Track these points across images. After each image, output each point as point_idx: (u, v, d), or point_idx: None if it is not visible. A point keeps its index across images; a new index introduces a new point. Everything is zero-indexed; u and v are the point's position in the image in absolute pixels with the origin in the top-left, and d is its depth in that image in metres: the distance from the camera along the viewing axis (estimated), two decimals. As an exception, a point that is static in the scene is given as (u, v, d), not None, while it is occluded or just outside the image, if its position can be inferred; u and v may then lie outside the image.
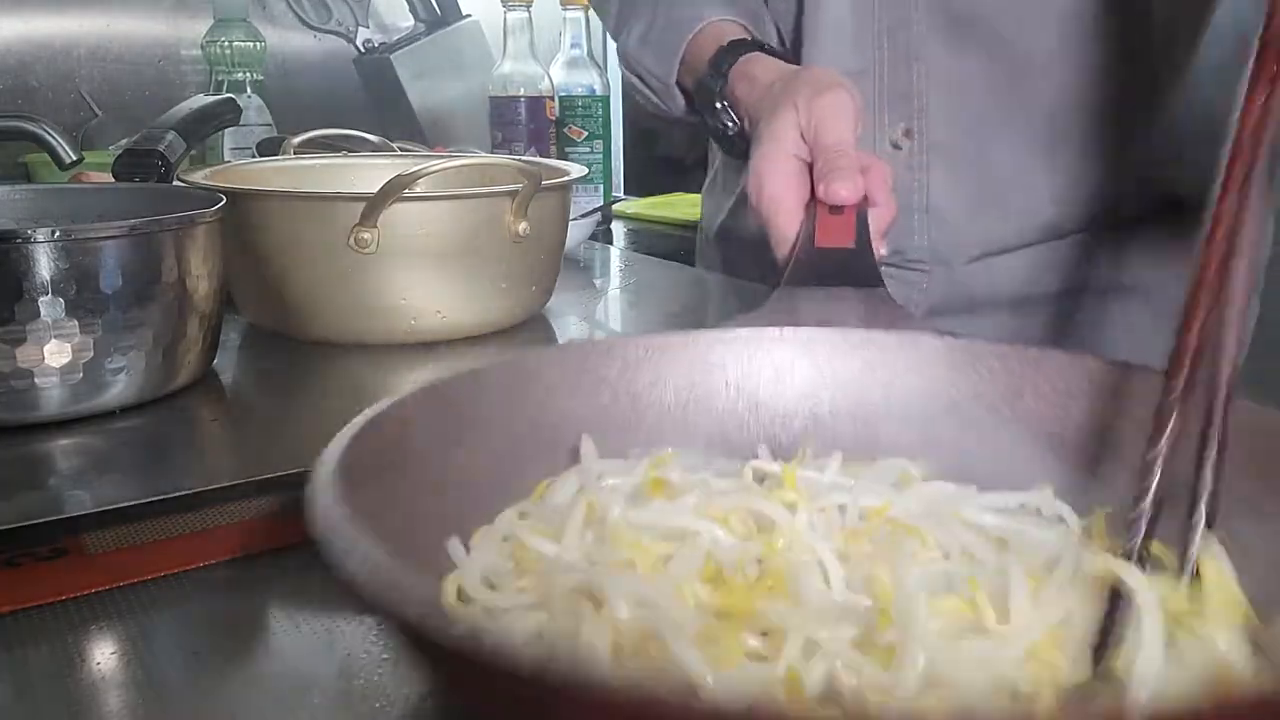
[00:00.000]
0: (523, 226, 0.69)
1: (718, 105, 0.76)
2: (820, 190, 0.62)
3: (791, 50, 0.82)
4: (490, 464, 0.40)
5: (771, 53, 0.77)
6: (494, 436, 0.41)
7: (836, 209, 0.62)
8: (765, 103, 0.70)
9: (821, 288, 0.57)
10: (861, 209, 0.62)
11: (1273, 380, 0.87)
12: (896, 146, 0.80)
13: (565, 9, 1.43)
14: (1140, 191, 0.80)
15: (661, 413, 0.45)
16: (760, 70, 0.74)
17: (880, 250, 0.62)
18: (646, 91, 0.85)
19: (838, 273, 0.58)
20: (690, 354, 0.46)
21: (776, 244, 0.64)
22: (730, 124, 0.76)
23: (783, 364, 0.47)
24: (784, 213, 0.63)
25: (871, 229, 0.61)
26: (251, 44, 1.32)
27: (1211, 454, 0.35)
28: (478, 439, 0.40)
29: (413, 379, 0.63)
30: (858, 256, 0.59)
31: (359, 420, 0.35)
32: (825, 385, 0.46)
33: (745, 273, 0.92)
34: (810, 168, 0.64)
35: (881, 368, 0.46)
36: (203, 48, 1.33)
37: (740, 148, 0.75)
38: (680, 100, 0.82)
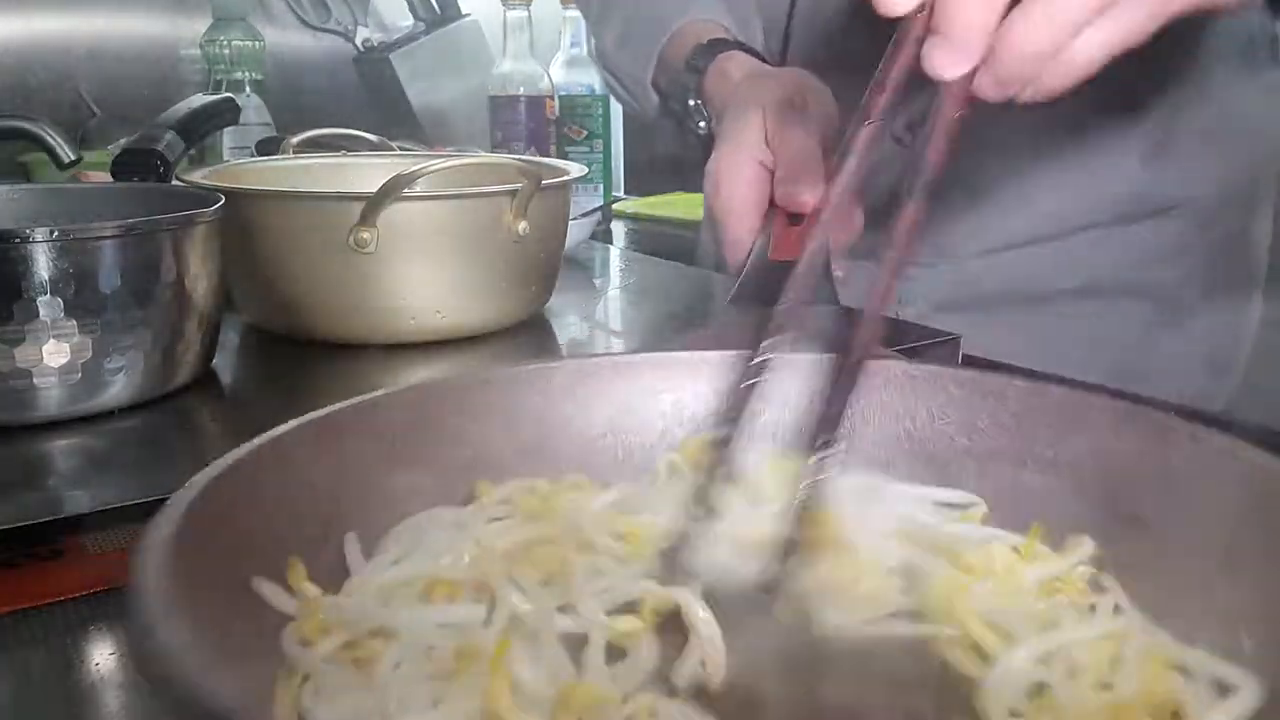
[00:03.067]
0: (523, 226, 0.69)
1: (691, 103, 0.74)
2: (779, 194, 0.60)
3: (780, 46, 0.82)
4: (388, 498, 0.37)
5: (751, 53, 0.75)
6: (403, 468, 0.37)
7: (796, 219, 0.59)
8: (732, 102, 0.68)
9: (771, 305, 0.54)
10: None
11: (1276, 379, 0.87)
12: (899, 141, 0.80)
13: (565, 9, 1.42)
14: (1143, 189, 0.80)
15: (585, 443, 0.41)
16: (734, 68, 0.72)
17: (837, 271, 0.59)
18: (621, 91, 0.84)
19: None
20: (623, 380, 0.43)
21: (728, 248, 0.61)
22: (702, 122, 0.74)
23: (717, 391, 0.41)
24: (738, 216, 0.61)
25: (830, 245, 0.59)
26: (250, 43, 1.32)
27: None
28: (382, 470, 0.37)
29: (412, 379, 0.63)
30: (814, 273, 0.57)
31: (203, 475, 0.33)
32: (773, 410, 0.41)
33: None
34: (772, 174, 0.62)
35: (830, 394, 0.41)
36: (201, 47, 1.33)
37: (710, 147, 0.74)
38: (654, 99, 0.81)
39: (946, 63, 0.40)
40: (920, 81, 0.40)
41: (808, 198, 0.59)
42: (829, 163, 0.61)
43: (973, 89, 0.41)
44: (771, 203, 0.60)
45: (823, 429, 0.35)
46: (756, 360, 0.37)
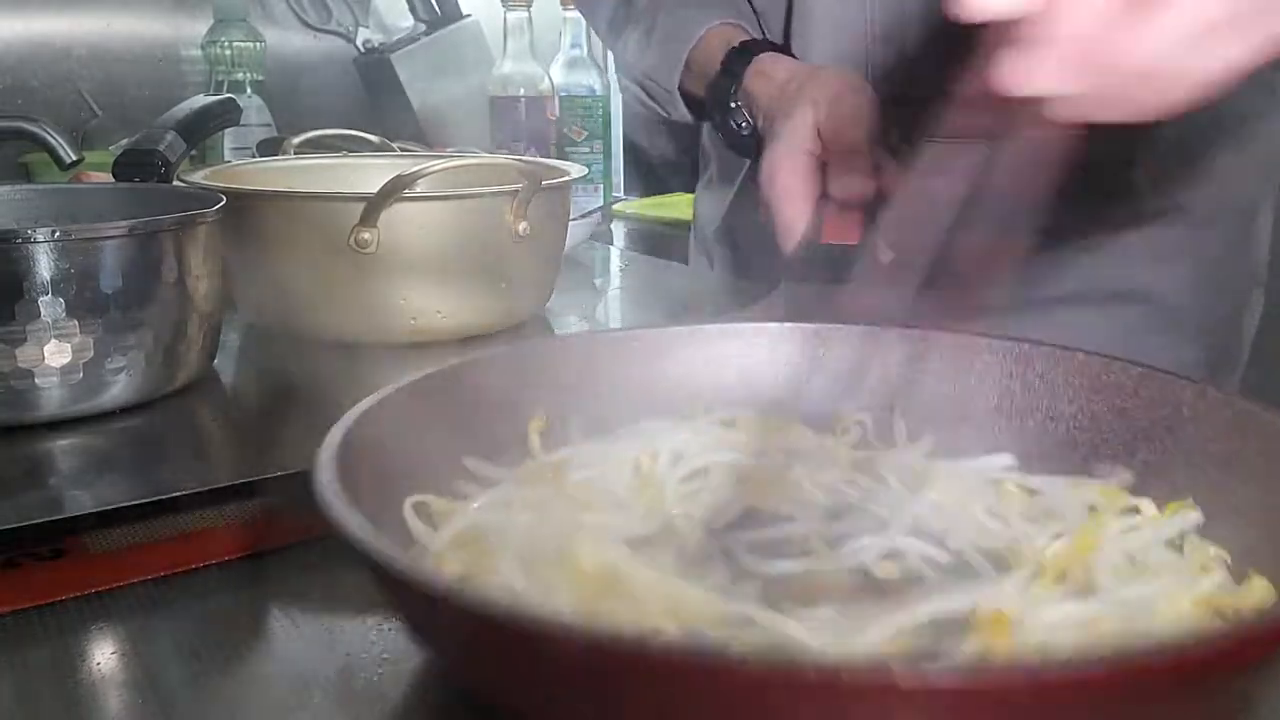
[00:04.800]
0: (523, 226, 0.69)
1: (732, 105, 0.76)
2: (833, 186, 0.63)
3: (781, 42, 0.82)
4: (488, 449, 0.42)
5: (783, 52, 0.77)
6: (493, 422, 0.43)
7: (845, 207, 0.63)
8: (783, 100, 0.70)
9: (825, 284, 0.58)
10: (870, 209, 0.63)
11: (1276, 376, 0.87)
12: (889, 148, 0.80)
13: (565, 9, 1.42)
14: (1140, 195, 0.79)
15: (667, 405, 0.47)
16: (777, 68, 0.74)
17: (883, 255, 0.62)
18: (647, 99, 0.85)
19: (842, 270, 0.59)
20: (695, 347, 0.49)
21: (783, 235, 0.65)
22: (744, 123, 0.76)
23: (787, 358, 0.49)
24: (794, 205, 0.64)
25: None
26: (251, 44, 1.32)
27: None
28: (476, 425, 0.42)
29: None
30: (863, 255, 0.61)
31: (357, 409, 0.37)
32: (828, 377, 0.48)
33: (741, 271, 0.91)
34: (823, 166, 0.65)
35: (887, 362, 0.47)
36: (202, 48, 1.33)
37: (753, 147, 0.76)
38: (683, 106, 0.82)
39: (1051, 78, 0.35)
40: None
41: (858, 188, 0.63)
42: (875, 156, 0.65)
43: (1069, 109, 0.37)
44: (822, 191, 0.65)
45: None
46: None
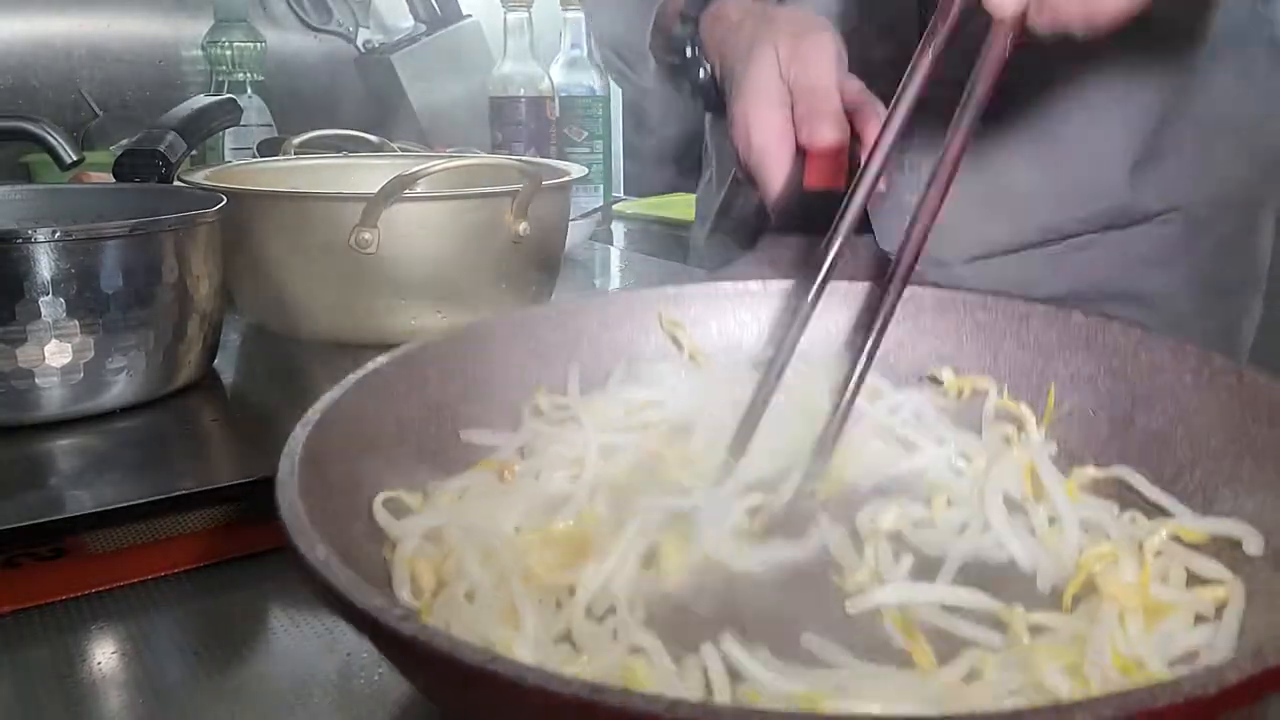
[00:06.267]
0: (523, 226, 0.69)
1: (689, 53, 0.72)
2: (802, 135, 0.60)
3: None
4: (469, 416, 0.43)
5: None
6: (470, 392, 0.43)
7: (823, 154, 0.59)
8: (740, 45, 0.67)
9: (807, 235, 0.56)
10: (854, 150, 0.59)
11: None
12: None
13: (565, 10, 1.42)
14: (1132, 197, 0.79)
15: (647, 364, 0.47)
16: (732, 10, 0.70)
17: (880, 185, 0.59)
18: (619, 63, 0.84)
19: (826, 216, 0.58)
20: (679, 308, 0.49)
21: (766, 194, 0.62)
22: (702, 71, 0.72)
23: (766, 317, 0.49)
24: (773, 161, 0.61)
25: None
26: (252, 44, 1.32)
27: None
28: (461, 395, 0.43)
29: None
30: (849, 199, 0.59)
31: (327, 397, 0.39)
32: (807, 335, 0.47)
33: (736, 270, 0.91)
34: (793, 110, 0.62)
35: (867, 317, 0.47)
36: (203, 48, 1.33)
37: (714, 97, 0.72)
38: (652, 65, 0.79)
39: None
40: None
41: (828, 133, 0.59)
42: (851, 94, 0.62)
43: (1027, 25, 0.43)
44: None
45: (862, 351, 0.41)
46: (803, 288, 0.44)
